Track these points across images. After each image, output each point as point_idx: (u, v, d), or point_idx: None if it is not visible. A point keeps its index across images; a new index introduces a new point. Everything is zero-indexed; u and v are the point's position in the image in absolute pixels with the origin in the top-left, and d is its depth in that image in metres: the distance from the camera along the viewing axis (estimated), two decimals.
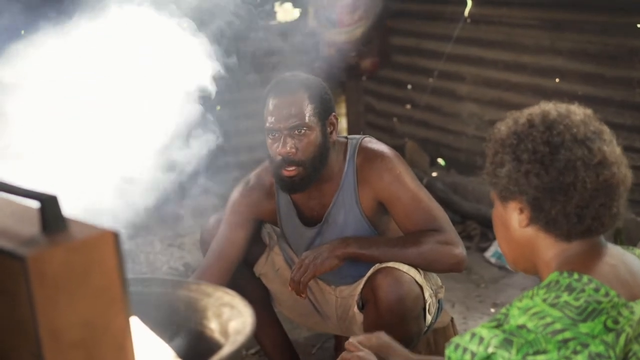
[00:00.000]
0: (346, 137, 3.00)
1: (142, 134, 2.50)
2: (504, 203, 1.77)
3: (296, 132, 2.82)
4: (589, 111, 1.78)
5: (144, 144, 2.55)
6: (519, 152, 1.71)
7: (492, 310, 4.03)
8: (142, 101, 2.51)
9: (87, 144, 2.38)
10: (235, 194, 3.10)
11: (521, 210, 1.74)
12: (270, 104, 2.85)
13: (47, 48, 2.51)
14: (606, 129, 1.76)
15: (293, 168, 2.83)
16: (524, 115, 1.77)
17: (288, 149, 2.81)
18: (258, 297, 3.11)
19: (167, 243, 4.89)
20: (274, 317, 3.22)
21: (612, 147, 1.73)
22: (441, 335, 3.23)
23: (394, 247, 2.81)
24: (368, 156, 2.92)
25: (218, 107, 5.78)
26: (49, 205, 1.38)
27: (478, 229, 4.87)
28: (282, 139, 2.82)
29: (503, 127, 1.78)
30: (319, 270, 2.81)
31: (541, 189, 1.69)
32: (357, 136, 3.00)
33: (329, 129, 2.89)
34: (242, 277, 3.10)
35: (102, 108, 2.48)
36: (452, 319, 3.29)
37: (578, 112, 1.75)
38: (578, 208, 1.69)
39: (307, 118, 2.82)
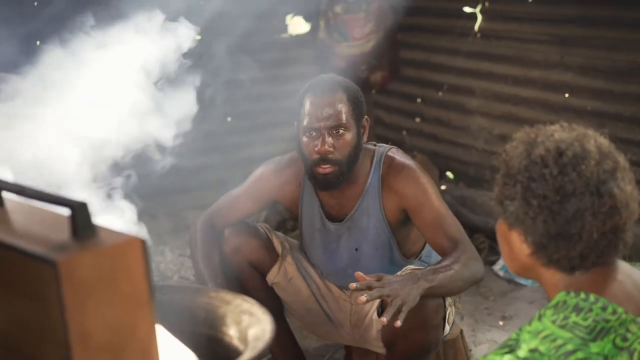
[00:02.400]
0: (375, 145, 3.06)
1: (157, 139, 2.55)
2: (510, 227, 1.76)
3: (334, 131, 2.88)
4: (605, 142, 1.74)
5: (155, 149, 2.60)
6: (529, 195, 1.69)
7: (501, 322, 4.05)
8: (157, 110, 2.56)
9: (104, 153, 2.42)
10: (265, 168, 3.19)
11: (524, 240, 1.74)
12: (309, 103, 2.91)
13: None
14: (621, 162, 1.72)
15: (328, 166, 2.89)
16: (537, 145, 1.72)
17: (327, 147, 2.86)
18: (270, 306, 3.14)
19: (178, 252, 4.92)
20: (286, 326, 3.26)
21: (624, 185, 1.70)
22: (450, 347, 3.26)
23: (451, 271, 2.71)
24: (394, 165, 2.98)
25: (229, 119, 5.85)
26: (79, 211, 1.42)
27: (486, 242, 4.89)
28: (320, 138, 2.87)
29: (515, 156, 1.74)
30: (408, 308, 2.57)
31: (546, 235, 1.69)
32: (385, 145, 3.06)
33: (361, 130, 2.95)
34: (254, 287, 3.13)
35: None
36: (461, 331, 3.32)
37: (594, 150, 1.70)
38: (582, 253, 1.70)
39: (345, 118, 2.89)
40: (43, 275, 1.35)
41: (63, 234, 1.42)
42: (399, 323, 2.55)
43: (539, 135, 1.76)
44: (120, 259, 1.38)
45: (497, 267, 4.62)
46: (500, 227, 1.80)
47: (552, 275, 1.75)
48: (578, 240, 1.67)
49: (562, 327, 1.62)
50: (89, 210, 1.43)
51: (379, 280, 2.61)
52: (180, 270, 4.72)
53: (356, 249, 3.08)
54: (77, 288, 1.35)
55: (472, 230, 5.11)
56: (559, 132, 1.75)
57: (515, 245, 1.76)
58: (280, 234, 3.26)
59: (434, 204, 2.90)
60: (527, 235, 1.72)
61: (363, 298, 2.55)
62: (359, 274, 2.61)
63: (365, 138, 2.99)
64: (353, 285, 2.60)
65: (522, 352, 1.61)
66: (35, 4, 4.73)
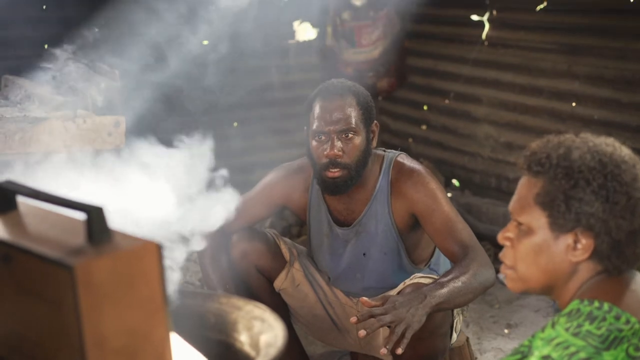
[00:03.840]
0: (384, 150, 3.06)
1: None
2: (558, 233, 1.73)
3: (344, 135, 2.88)
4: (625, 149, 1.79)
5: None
6: (612, 194, 1.69)
7: (506, 330, 4.04)
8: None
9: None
10: (274, 175, 3.19)
11: (575, 243, 1.72)
12: (318, 107, 2.92)
13: None
14: None
15: (337, 170, 2.89)
16: (594, 148, 1.73)
17: (336, 151, 2.87)
18: (277, 312, 3.14)
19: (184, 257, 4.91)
20: (293, 333, 3.25)
21: None
22: (457, 355, 3.25)
23: (459, 283, 2.69)
24: (403, 171, 2.97)
25: (235, 124, 5.86)
26: (95, 216, 1.42)
27: (492, 250, 4.88)
28: (330, 142, 2.88)
29: (576, 159, 1.73)
30: (412, 331, 2.58)
31: (627, 232, 1.70)
32: (394, 151, 3.06)
33: (371, 135, 2.95)
34: (261, 292, 3.14)
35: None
36: (467, 339, 3.31)
37: (631, 153, 1.76)
38: None
39: (354, 123, 2.89)
40: (59, 280, 1.36)
41: (79, 238, 1.42)
42: (400, 350, 2.54)
43: (576, 141, 1.77)
44: (136, 263, 1.38)
45: (502, 276, 4.60)
46: (535, 238, 1.76)
47: (578, 281, 1.75)
48: None
49: (575, 335, 1.62)
50: (105, 214, 1.43)
51: (383, 302, 2.59)
52: (185, 275, 4.72)
53: (364, 254, 3.08)
54: (93, 292, 1.35)
55: (477, 237, 5.09)
56: (591, 139, 1.77)
57: (558, 253, 1.74)
58: (287, 240, 3.27)
59: (443, 209, 2.89)
60: (605, 235, 1.70)
61: (362, 332, 2.55)
62: (364, 299, 2.60)
63: (374, 143, 2.99)
64: (354, 319, 2.57)
65: (534, 358, 1.61)
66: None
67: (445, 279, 2.69)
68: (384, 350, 2.54)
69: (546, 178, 1.75)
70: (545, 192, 1.74)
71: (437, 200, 2.90)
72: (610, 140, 1.77)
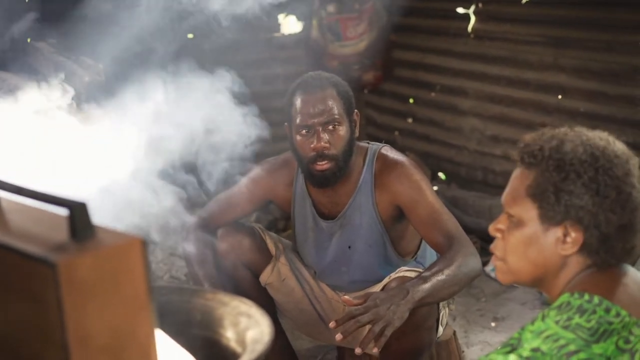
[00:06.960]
0: (368, 143, 3.05)
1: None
2: (548, 225, 1.73)
3: (329, 127, 2.87)
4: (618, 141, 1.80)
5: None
6: (603, 188, 1.69)
7: (493, 324, 4.05)
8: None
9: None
10: (258, 169, 3.17)
11: (565, 237, 1.72)
12: (300, 101, 2.90)
13: None
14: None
15: (325, 162, 2.88)
16: (587, 141, 1.73)
17: (323, 143, 2.86)
18: (263, 307, 3.13)
19: (169, 252, 4.89)
20: (279, 327, 3.25)
21: None
22: (444, 348, 3.25)
23: (443, 277, 2.66)
24: (387, 163, 2.97)
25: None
26: (78, 212, 1.39)
27: (478, 243, 4.88)
28: (315, 135, 2.86)
29: (568, 151, 1.72)
30: (393, 328, 2.54)
31: (616, 227, 1.70)
32: (378, 144, 3.05)
33: (353, 124, 2.95)
34: (248, 287, 3.12)
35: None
36: (454, 333, 3.31)
37: (624, 147, 1.77)
38: (636, 244, 1.72)
39: (338, 113, 2.89)
40: (42, 277, 1.33)
41: (61, 234, 1.40)
42: (375, 350, 2.52)
43: (569, 134, 1.77)
44: (120, 260, 1.36)
45: (489, 268, 4.61)
46: (525, 230, 1.76)
47: (570, 274, 1.75)
48: (638, 230, 1.72)
49: (565, 327, 1.62)
50: (88, 210, 1.41)
51: (366, 299, 2.57)
52: (170, 270, 4.70)
53: (349, 247, 3.07)
54: (77, 290, 1.32)
55: (464, 231, 5.09)
56: (585, 132, 1.77)
57: (547, 245, 1.74)
58: (273, 234, 3.25)
59: (428, 200, 2.88)
60: (593, 229, 1.70)
61: (339, 336, 2.51)
62: (346, 298, 2.58)
63: (357, 132, 2.99)
64: (333, 324, 2.55)
65: (524, 351, 1.61)
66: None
67: (428, 273, 2.66)
68: (358, 350, 2.52)
69: (538, 170, 1.75)
70: (536, 184, 1.75)
71: (421, 191, 2.89)
72: (604, 135, 1.78)
